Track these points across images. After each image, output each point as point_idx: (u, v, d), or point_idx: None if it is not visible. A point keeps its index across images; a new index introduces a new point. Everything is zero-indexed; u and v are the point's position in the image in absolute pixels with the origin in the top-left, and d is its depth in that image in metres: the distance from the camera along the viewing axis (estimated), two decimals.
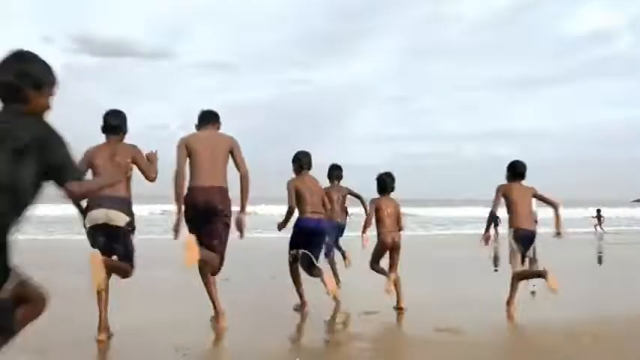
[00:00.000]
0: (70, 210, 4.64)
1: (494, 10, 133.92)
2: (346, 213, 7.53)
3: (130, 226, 4.36)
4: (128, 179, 4.05)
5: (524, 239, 5.56)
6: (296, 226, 5.52)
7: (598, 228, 20.38)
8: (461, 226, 22.22)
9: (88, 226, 4.37)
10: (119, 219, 4.20)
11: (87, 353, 3.94)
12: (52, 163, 2.35)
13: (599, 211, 20.65)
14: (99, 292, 4.29)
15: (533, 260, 5.95)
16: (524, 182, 5.76)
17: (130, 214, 4.31)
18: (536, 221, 6.06)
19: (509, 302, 5.61)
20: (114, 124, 4.36)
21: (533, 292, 6.67)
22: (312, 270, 5.44)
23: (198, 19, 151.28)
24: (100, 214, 4.16)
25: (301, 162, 5.61)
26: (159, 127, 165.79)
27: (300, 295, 5.65)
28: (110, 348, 4.05)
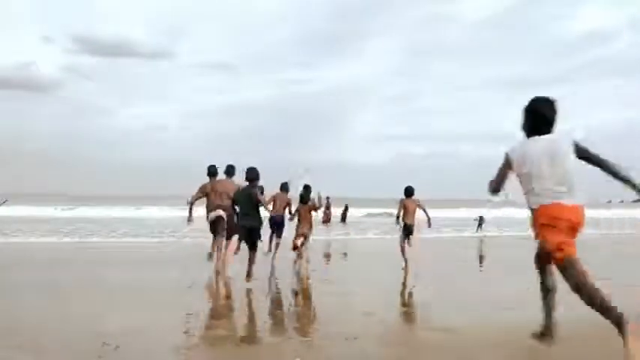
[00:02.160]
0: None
1: (494, 10, 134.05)
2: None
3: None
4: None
5: (406, 229, 9.40)
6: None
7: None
8: (461, 226, 22.24)
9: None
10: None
11: (87, 353, 3.95)
12: None
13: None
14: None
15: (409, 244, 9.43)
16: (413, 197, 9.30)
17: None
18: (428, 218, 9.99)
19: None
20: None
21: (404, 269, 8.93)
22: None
23: (198, 19, 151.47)
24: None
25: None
26: (159, 127, 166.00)
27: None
28: (110, 348, 4.04)
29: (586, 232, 3.64)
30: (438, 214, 32.49)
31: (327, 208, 23.29)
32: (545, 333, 3.83)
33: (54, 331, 4.64)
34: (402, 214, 9.30)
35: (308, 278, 7.97)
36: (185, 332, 4.60)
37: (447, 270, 9.69)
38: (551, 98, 3.73)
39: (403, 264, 9.14)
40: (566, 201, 3.33)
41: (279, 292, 7.10)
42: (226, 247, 7.78)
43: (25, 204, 31.56)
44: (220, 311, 5.78)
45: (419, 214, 9.51)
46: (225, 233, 7.92)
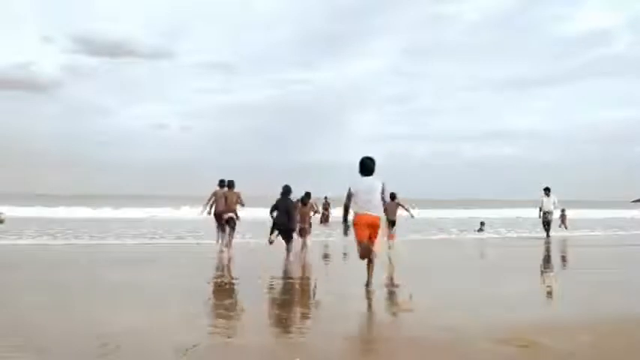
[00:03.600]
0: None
1: (494, 10, 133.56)
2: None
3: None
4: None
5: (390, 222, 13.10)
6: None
7: (563, 227, 20.57)
8: (460, 227, 22.25)
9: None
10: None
11: (87, 353, 3.95)
12: None
13: (563, 210, 20.84)
14: None
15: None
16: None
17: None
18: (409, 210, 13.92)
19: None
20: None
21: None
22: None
23: (198, 19, 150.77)
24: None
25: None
26: (159, 127, 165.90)
27: None
28: (110, 348, 4.05)
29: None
30: (438, 214, 32.66)
31: (326, 208, 23.29)
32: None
33: (54, 331, 4.65)
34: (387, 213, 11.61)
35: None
36: (185, 332, 4.61)
37: (447, 270, 9.70)
38: (372, 157, 6.97)
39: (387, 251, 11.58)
40: (372, 212, 6.79)
41: (278, 292, 7.10)
42: (230, 237, 11.52)
43: (24, 204, 31.56)
44: (220, 311, 5.78)
45: (401, 210, 13.90)
46: (234, 227, 11.62)
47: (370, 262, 6.90)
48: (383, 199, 6.97)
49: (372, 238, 6.74)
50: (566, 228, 20.51)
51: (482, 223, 20.14)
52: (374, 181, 6.82)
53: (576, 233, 19.75)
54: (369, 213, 6.72)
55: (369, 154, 6.98)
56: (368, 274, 6.90)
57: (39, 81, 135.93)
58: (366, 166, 6.87)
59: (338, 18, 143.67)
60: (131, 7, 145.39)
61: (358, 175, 6.90)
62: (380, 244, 6.99)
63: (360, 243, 6.79)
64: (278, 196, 10.75)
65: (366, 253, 6.82)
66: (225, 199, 11.58)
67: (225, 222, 11.60)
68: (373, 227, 6.74)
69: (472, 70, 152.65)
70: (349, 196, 6.90)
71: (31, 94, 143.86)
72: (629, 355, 4.21)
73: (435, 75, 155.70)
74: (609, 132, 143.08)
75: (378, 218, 6.80)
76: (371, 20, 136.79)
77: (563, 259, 12.48)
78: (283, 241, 10.49)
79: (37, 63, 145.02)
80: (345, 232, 7.57)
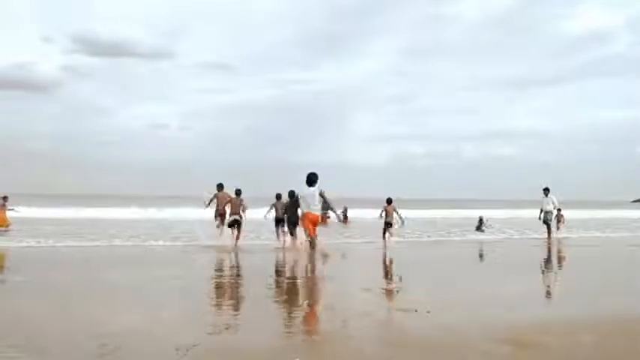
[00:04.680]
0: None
1: (494, 10, 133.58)
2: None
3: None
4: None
5: (387, 224, 14.54)
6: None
7: (556, 227, 20.38)
8: (460, 227, 22.23)
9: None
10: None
11: (87, 353, 3.95)
12: None
13: (559, 210, 20.72)
14: None
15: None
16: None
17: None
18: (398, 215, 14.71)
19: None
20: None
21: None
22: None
23: (198, 19, 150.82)
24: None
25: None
26: (159, 127, 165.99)
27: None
28: (110, 348, 4.05)
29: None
30: (437, 214, 32.66)
31: (325, 208, 23.27)
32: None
33: (54, 331, 4.65)
34: (384, 214, 14.85)
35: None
36: (185, 332, 4.61)
37: (446, 270, 9.70)
38: (316, 173, 9.86)
39: (383, 245, 14.06)
40: (314, 212, 9.83)
41: (279, 292, 7.11)
42: (238, 232, 13.33)
43: (24, 204, 31.50)
44: (220, 311, 5.79)
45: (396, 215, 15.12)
46: (239, 228, 13.47)
47: (312, 242, 9.95)
48: (325, 199, 10.02)
49: (314, 228, 9.89)
50: (557, 229, 20.09)
51: (480, 218, 20.12)
52: (315, 190, 9.72)
53: (576, 234, 19.74)
54: (312, 212, 9.77)
55: (313, 170, 9.93)
56: (312, 249, 9.94)
57: (39, 81, 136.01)
58: (310, 179, 9.81)
59: (338, 18, 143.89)
60: (131, 7, 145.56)
61: (305, 185, 9.87)
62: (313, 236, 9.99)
63: (305, 230, 9.98)
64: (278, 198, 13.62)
65: (310, 237, 9.95)
66: (230, 203, 13.65)
67: (230, 224, 13.52)
68: (314, 221, 9.96)
69: (472, 70, 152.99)
70: (298, 199, 10.19)
71: (31, 94, 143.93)
72: (631, 356, 4.21)
73: (435, 75, 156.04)
74: (609, 132, 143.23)
75: (318, 216, 10.07)
76: (371, 20, 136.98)
77: (564, 259, 12.48)
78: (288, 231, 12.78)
79: (37, 63, 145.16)
80: (277, 232, 12.13)
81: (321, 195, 9.93)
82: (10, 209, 17.21)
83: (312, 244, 9.90)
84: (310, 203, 9.69)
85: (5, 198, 17.02)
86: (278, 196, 13.95)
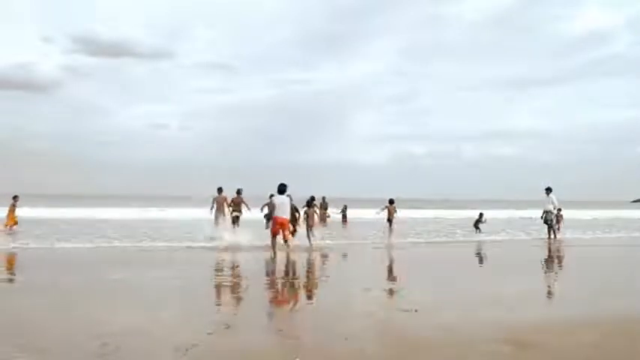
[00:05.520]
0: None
1: (494, 10, 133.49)
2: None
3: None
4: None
5: (389, 221, 17.88)
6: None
7: (558, 226, 20.28)
8: (460, 227, 22.23)
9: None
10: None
11: (87, 353, 3.95)
12: None
13: (559, 210, 20.66)
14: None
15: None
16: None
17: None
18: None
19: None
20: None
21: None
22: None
23: (198, 19, 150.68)
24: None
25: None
26: (159, 126, 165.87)
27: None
28: (110, 348, 4.05)
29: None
30: (437, 214, 32.66)
31: (325, 208, 23.27)
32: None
33: (55, 332, 4.65)
34: (386, 213, 17.67)
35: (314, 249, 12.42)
36: (185, 332, 4.61)
37: (446, 270, 9.71)
38: (285, 183, 11.44)
39: (385, 234, 16.56)
40: (283, 216, 11.19)
41: (278, 293, 7.11)
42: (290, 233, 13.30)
43: (24, 205, 31.47)
44: (220, 311, 5.78)
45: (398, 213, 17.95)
46: (239, 224, 15.67)
47: (286, 242, 11.15)
48: (293, 206, 12.29)
49: (283, 231, 11.07)
50: (558, 229, 19.98)
51: (481, 214, 20.09)
52: (285, 197, 11.29)
53: (576, 234, 19.73)
54: (281, 216, 11.12)
55: (284, 182, 11.40)
56: (274, 252, 10.88)
57: (39, 81, 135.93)
58: (281, 189, 11.32)
59: (338, 18, 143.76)
60: (131, 7, 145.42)
61: (277, 193, 11.33)
62: (289, 236, 11.39)
63: (272, 233, 11.12)
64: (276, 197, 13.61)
65: (275, 237, 11.08)
66: (233, 202, 15.87)
67: (233, 219, 15.67)
68: (283, 224, 11.13)
69: (472, 70, 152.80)
70: (270, 205, 11.68)
71: (31, 94, 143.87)
72: (631, 356, 4.21)
73: (435, 75, 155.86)
74: (609, 132, 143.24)
75: (287, 219, 11.33)
76: (371, 20, 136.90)
77: (564, 259, 12.47)
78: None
79: (37, 63, 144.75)
80: (267, 226, 11.66)
81: (290, 200, 11.72)
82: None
83: (285, 241, 11.21)
84: (280, 209, 11.12)
85: (16, 197, 17.28)
86: (271, 196, 14.34)
